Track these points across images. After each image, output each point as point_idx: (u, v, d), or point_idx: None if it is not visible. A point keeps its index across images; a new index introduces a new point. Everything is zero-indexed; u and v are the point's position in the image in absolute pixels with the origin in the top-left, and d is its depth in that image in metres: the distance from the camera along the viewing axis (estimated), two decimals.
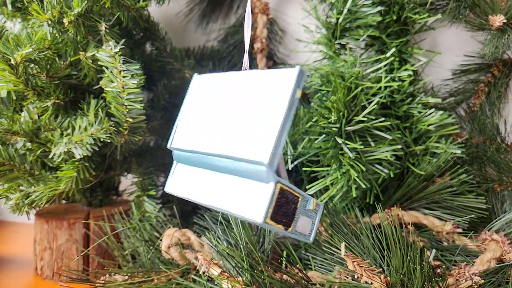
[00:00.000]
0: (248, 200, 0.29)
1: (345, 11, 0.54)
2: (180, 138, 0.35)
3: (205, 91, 0.35)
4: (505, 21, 0.52)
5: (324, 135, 0.48)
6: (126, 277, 0.45)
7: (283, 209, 0.29)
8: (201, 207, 0.48)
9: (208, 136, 0.32)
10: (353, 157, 0.46)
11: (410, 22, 0.54)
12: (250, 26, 0.34)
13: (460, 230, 0.47)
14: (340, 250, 0.40)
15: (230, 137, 0.30)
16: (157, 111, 0.60)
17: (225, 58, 0.71)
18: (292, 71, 0.29)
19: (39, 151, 0.50)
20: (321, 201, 0.50)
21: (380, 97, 0.51)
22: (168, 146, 0.36)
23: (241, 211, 0.29)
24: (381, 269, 0.37)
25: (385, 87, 0.52)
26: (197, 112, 0.35)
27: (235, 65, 0.70)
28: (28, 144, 0.50)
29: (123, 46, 0.47)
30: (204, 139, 0.32)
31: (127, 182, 0.62)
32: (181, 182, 0.35)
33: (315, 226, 0.31)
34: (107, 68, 0.46)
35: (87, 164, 0.50)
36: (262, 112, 0.29)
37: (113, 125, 0.47)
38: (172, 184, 0.36)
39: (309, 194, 0.30)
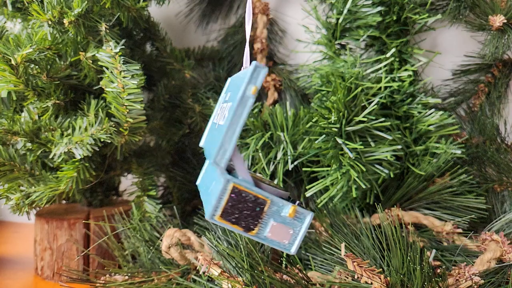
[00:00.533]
0: (210, 196, 0.29)
1: (345, 11, 0.54)
2: (205, 137, 0.36)
3: (223, 91, 0.36)
4: (505, 21, 0.52)
5: (324, 136, 0.48)
6: (126, 277, 0.45)
7: (240, 210, 0.27)
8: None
9: (211, 135, 0.33)
10: (353, 157, 0.46)
11: (410, 23, 0.54)
12: (251, 19, 0.35)
13: (460, 230, 0.47)
14: (340, 250, 0.40)
15: (215, 135, 0.31)
16: (157, 112, 0.60)
17: (225, 58, 0.71)
18: (248, 69, 0.28)
19: (40, 152, 0.50)
20: (321, 201, 0.50)
21: (380, 98, 0.51)
22: (200, 144, 0.37)
23: (205, 206, 0.29)
24: (381, 269, 0.37)
25: (385, 88, 0.52)
26: (214, 113, 0.36)
27: (235, 66, 0.70)
28: (29, 145, 0.50)
29: (123, 47, 0.47)
30: (210, 137, 0.33)
31: (127, 183, 0.62)
32: (202, 178, 0.36)
33: (299, 236, 0.28)
34: (107, 68, 0.46)
35: (87, 164, 0.50)
36: (228, 110, 0.29)
37: (113, 126, 0.47)
38: (199, 179, 0.37)
39: (294, 201, 0.29)
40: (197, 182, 0.37)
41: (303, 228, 0.28)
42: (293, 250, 0.29)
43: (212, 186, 0.29)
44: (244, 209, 0.28)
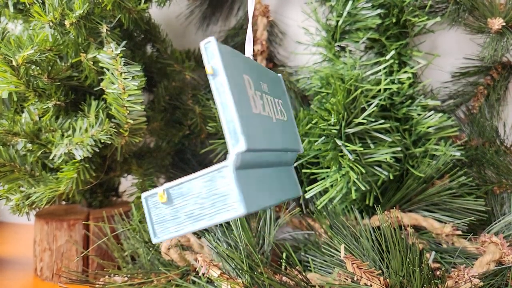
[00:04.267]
0: (295, 182, 0.35)
1: (345, 13, 0.55)
2: (252, 135, 0.32)
3: (238, 70, 0.33)
4: (504, 24, 0.52)
5: (323, 137, 0.48)
6: (126, 278, 0.45)
7: None
8: None
9: (271, 130, 0.33)
10: (353, 159, 0.46)
11: (410, 25, 0.54)
12: (253, 10, 0.35)
13: (459, 232, 0.47)
14: (340, 252, 0.40)
15: (284, 130, 0.34)
16: (157, 113, 0.61)
17: None
18: (281, 78, 0.34)
19: (40, 152, 0.50)
20: (320, 202, 0.50)
21: (380, 99, 0.51)
22: (247, 147, 0.28)
23: (292, 194, 0.33)
24: (380, 271, 0.37)
25: (385, 90, 0.53)
26: (245, 98, 0.35)
27: None
28: (29, 145, 0.50)
29: (124, 48, 0.47)
30: (271, 134, 0.31)
31: (127, 183, 0.62)
32: (252, 192, 0.28)
33: None
34: (108, 69, 0.46)
35: (87, 165, 0.50)
36: (283, 107, 0.34)
37: (114, 127, 0.47)
38: (246, 202, 0.29)
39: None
40: (248, 208, 0.25)
41: None
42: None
43: (292, 175, 0.33)
44: None
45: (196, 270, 0.43)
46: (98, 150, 0.47)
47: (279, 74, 0.32)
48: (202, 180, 0.26)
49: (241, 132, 0.25)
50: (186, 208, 0.26)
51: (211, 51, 0.26)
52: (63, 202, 0.63)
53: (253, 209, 0.26)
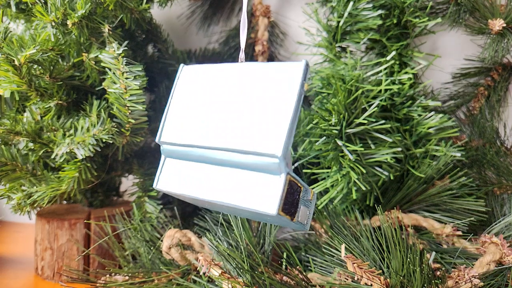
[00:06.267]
0: (259, 193, 0.29)
1: (345, 14, 0.55)
2: (172, 132, 0.34)
3: (199, 83, 0.34)
4: (504, 25, 0.52)
5: (324, 137, 0.49)
6: (127, 277, 0.45)
7: (290, 200, 0.29)
8: (202, 207, 0.48)
9: (210, 130, 0.31)
10: (353, 159, 0.46)
11: (410, 26, 0.55)
12: (246, 11, 0.35)
13: (459, 232, 0.47)
14: (340, 252, 0.40)
15: (237, 130, 0.30)
16: (158, 113, 0.61)
17: (227, 60, 0.72)
18: (298, 64, 0.29)
19: (42, 152, 0.50)
20: (321, 203, 0.50)
21: (381, 100, 0.51)
22: (157, 140, 0.34)
23: (251, 205, 0.29)
24: (381, 271, 0.37)
25: (386, 90, 0.53)
26: (193, 105, 0.33)
27: None
28: (31, 145, 0.50)
29: (126, 48, 0.47)
30: (206, 132, 0.32)
31: (128, 183, 0.62)
32: (175, 178, 0.34)
33: (311, 215, 0.31)
34: (109, 69, 0.46)
35: (89, 165, 0.50)
36: (270, 105, 0.29)
37: (115, 126, 0.47)
38: (164, 181, 0.34)
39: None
40: (161, 185, 0.34)
41: (313, 207, 0.31)
42: (307, 227, 0.31)
43: (250, 183, 0.30)
44: (291, 199, 0.29)
45: (197, 269, 0.43)
46: (99, 150, 0.47)
47: (298, 63, 0.29)
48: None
49: (169, 128, 0.34)
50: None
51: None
52: (65, 202, 0.63)
53: (162, 188, 0.34)
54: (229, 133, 0.30)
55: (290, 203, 0.29)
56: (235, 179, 0.30)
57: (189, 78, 0.35)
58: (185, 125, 0.33)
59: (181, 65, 0.36)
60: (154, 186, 0.35)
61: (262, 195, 0.29)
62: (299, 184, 0.30)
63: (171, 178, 0.34)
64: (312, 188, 0.50)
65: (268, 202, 0.28)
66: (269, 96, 0.30)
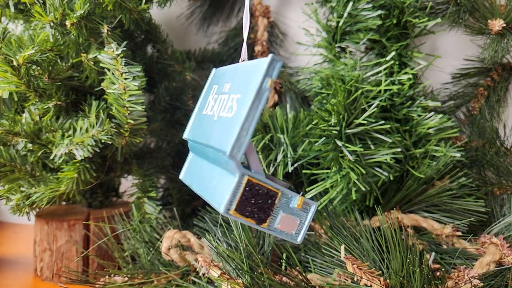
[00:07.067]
0: (220, 190, 0.29)
1: (345, 14, 0.55)
2: (191, 129, 0.37)
3: (212, 83, 0.36)
4: (504, 25, 0.52)
5: (324, 138, 0.48)
6: (126, 278, 0.45)
7: (253, 203, 0.28)
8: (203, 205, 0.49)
9: (204, 127, 0.33)
10: (353, 160, 0.46)
11: (410, 26, 0.55)
12: (248, 12, 0.35)
13: (459, 233, 0.47)
14: (340, 252, 0.40)
15: (216, 127, 0.31)
16: (157, 113, 0.61)
17: (226, 60, 0.72)
18: (263, 60, 0.28)
19: (40, 152, 0.50)
20: (321, 203, 0.50)
21: (380, 100, 0.51)
22: (183, 136, 0.38)
23: (212, 201, 0.29)
24: (380, 271, 0.37)
25: (385, 90, 0.53)
26: (203, 104, 0.36)
27: None
28: (29, 145, 0.50)
29: (124, 49, 0.47)
30: (202, 129, 0.33)
31: (128, 184, 0.62)
32: (188, 171, 0.37)
33: (305, 226, 0.29)
34: (108, 70, 0.46)
35: (88, 166, 0.50)
36: (237, 102, 0.29)
37: (114, 127, 0.47)
38: (184, 173, 0.37)
39: (297, 192, 0.30)
40: (181, 176, 0.37)
41: (308, 218, 0.29)
42: (299, 240, 0.29)
43: (217, 180, 0.29)
44: (257, 202, 0.28)
45: (197, 270, 0.43)
46: (98, 150, 0.47)
47: (265, 59, 0.28)
48: None
49: (188, 125, 0.37)
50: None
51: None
52: (64, 202, 0.63)
53: (182, 179, 0.37)
54: (211, 130, 0.31)
55: (253, 206, 0.28)
56: (212, 175, 0.31)
57: (211, 78, 0.38)
58: (197, 123, 0.36)
59: (213, 68, 0.38)
60: (179, 176, 0.38)
61: (220, 192, 0.29)
62: (271, 188, 0.28)
63: (187, 170, 0.37)
64: (310, 190, 0.50)
65: (220, 200, 0.28)
66: (239, 94, 0.29)
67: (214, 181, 0.30)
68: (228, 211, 0.27)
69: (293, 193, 0.29)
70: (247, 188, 0.28)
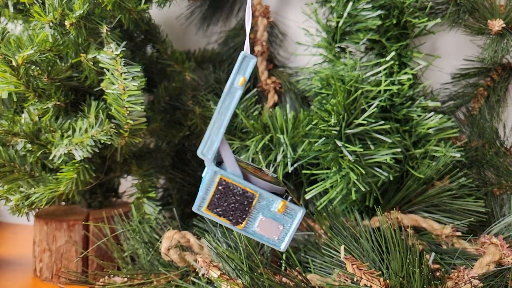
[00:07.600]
0: (200, 190, 0.29)
1: (345, 14, 0.55)
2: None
3: None
4: (504, 25, 0.52)
5: (324, 138, 0.48)
6: (126, 279, 0.45)
7: (227, 202, 0.27)
8: None
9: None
10: (353, 160, 0.46)
11: (410, 26, 0.55)
12: (250, 6, 0.35)
13: (459, 233, 0.47)
14: (340, 253, 0.40)
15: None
16: (157, 113, 0.60)
17: (226, 60, 0.72)
18: (238, 59, 0.27)
19: (40, 153, 0.50)
20: (320, 203, 0.50)
21: (380, 101, 0.51)
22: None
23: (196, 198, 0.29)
24: (380, 272, 0.37)
25: (385, 91, 0.53)
26: None
27: None
28: (29, 146, 0.50)
29: (124, 49, 0.47)
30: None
31: (127, 184, 0.62)
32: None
33: (290, 232, 0.28)
34: (108, 70, 0.46)
35: (87, 166, 0.50)
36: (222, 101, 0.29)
37: (114, 127, 0.47)
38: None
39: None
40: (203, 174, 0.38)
41: (293, 224, 0.28)
42: (282, 247, 0.28)
43: (203, 178, 0.29)
44: (231, 202, 0.27)
45: (196, 271, 0.43)
46: (98, 151, 0.47)
47: (240, 57, 0.27)
48: None
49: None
50: None
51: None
52: (63, 203, 0.63)
53: None
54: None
55: (226, 206, 0.27)
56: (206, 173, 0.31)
57: None
58: None
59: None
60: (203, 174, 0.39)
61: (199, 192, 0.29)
62: (248, 190, 0.27)
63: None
64: (310, 190, 0.50)
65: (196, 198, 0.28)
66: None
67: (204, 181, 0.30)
68: (200, 208, 0.27)
69: (275, 196, 0.28)
70: (220, 187, 0.27)
